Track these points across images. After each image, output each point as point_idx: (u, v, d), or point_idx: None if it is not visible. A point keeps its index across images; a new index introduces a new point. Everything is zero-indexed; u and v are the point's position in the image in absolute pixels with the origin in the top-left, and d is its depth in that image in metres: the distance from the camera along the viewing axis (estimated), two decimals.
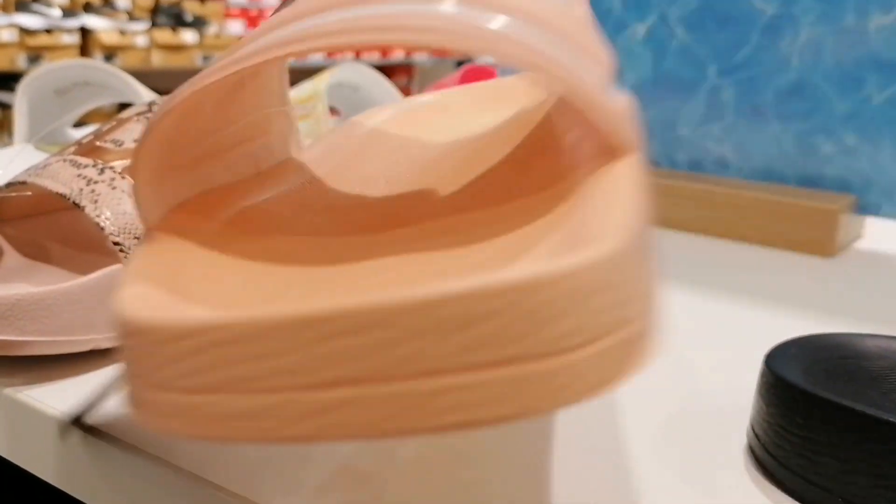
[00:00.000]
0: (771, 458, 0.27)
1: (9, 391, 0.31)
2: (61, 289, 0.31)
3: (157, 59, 2.50)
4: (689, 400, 0.33)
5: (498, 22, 0.19)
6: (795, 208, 0.56)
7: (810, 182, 0.60)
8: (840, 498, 0.24)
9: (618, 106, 0.20)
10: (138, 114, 0.38)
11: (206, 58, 2.60)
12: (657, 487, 0.27)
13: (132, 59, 2.45)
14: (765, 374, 0.27)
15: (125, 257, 0.32)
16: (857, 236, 0.61)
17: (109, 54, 2.43)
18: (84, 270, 0.34)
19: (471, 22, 0.19)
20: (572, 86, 0.19)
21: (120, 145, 0.36)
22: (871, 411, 0.24)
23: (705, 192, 0.59)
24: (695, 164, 0.65)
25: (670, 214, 0.60)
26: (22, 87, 0.64)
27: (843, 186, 0.59)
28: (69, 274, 0.36)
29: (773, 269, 0.52)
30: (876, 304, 0.46)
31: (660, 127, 0.67)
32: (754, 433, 0.28)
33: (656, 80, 0.66)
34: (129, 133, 0.37)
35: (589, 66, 0.20)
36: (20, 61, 2.33)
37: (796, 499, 0.26)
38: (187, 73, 2.64)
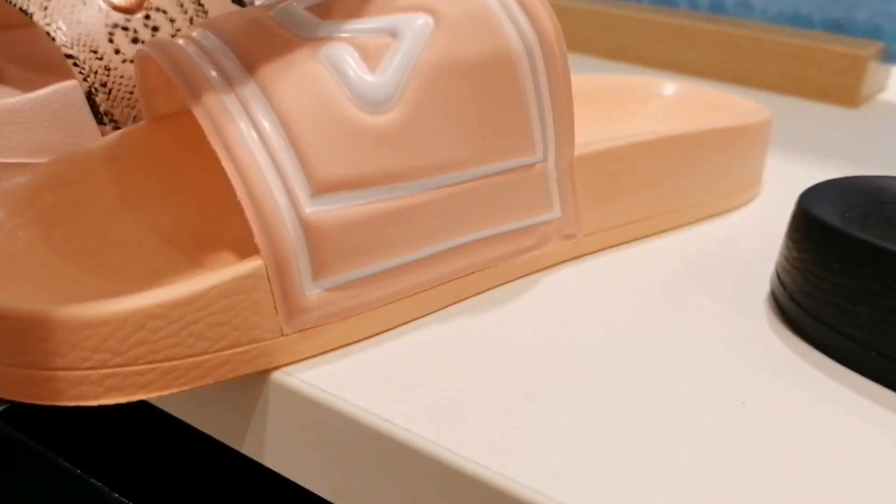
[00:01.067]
0: (797, 306, 0.24)
1: None
2: (8, 104, 0.28)
3: None
4: (707, 244, 0.30)
5: None
6: (821, 53, 0.52)
7: (838, 27, 0.56)
8: (874, 351, 0.22)
9: None
10: None
11: None
12: (666, 337, 0.24)
13: None
14: (798, 214, 0.24)
15: (80, 72, 0.28)
16: (882, 87, 0.56)
17: None
18: None
19: None
20: None
21: None
22: None
23: (726, 35, 0.55)
24: (716, 6, 0.60)
25: (688, 58, 0.55)
26: None
27: (872, 33, 0.54)
28: (23, 94, 0.33)
29: (795, 117, 0.48)
30: None
31: None
32: (779, 280, 0.25)
33: None
34: None
35: None
36: None
37: (824, 351, 0.23)
38: None
